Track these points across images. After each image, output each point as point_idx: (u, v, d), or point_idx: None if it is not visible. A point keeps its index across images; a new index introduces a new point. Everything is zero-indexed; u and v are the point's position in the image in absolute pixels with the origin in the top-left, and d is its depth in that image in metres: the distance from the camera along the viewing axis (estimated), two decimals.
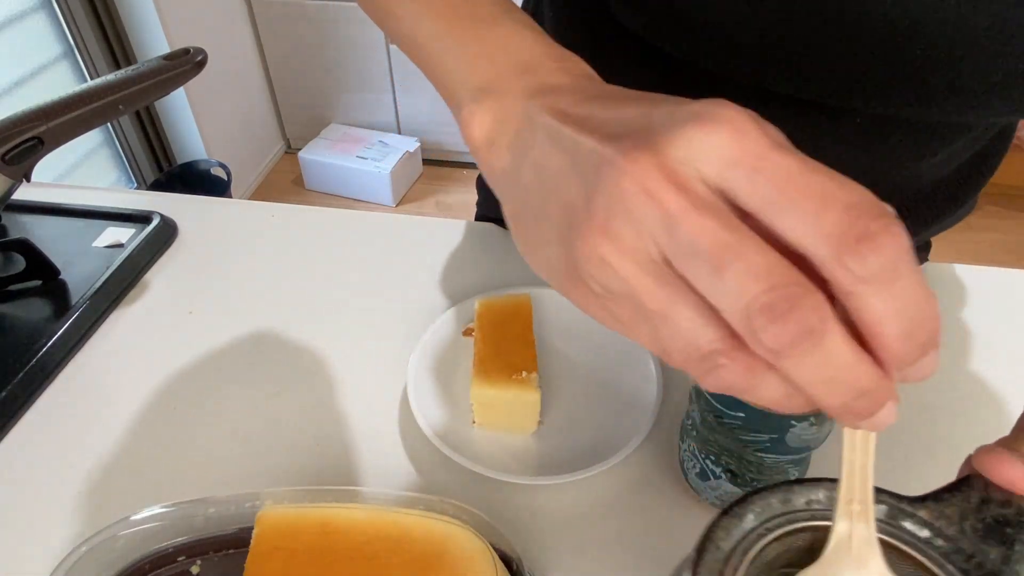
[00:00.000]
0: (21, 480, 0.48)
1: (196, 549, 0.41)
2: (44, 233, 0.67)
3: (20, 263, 0.61)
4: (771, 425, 0.37)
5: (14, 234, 0.67)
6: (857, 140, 0.44)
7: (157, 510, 0.40)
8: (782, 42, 0.38)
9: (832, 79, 0.39)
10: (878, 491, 0.27)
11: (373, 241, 0.68)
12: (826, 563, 0.26)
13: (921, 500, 0.27)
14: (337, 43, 2.31)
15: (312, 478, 0.48)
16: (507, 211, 0.28)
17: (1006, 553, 0.25)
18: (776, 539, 0.27)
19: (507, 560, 0.39)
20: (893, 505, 0.27)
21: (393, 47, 2.27)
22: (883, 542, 0.27)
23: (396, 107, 2.43)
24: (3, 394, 0.52)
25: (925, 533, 0.27)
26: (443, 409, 0.51)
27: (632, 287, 0.22)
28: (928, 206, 0.51)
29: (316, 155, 2.36)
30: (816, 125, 0.44)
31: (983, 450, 0.27)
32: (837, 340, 0.19)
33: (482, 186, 0.72)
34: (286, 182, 2.50)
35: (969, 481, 0.27)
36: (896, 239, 0.19)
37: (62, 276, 0.63)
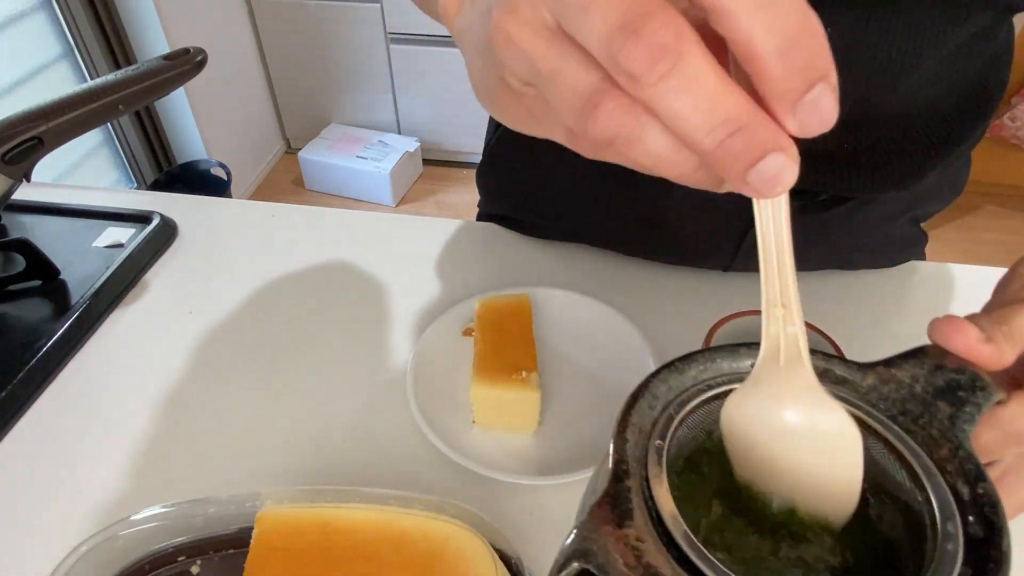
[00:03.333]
0: (21, 480, 0.48)
1: (196, 549, 0.41)
2: (44, 233, 0.67)
3: (20, 263, 0.61)
4: None
5: (14, 234, 0.67)
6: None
7: (157, 510, 0.40)
8: None
9: None
10: (827, 357, 0.27)
11: (373, 241, 0.68)
12: (756, 376, 0.25)
13: (871, 366, 0.27)
14: (337, 43, 2.31)
15: (312, 478, 0.48)
16: (467, 62, 0.29)
17: (954, 413, 0.25)
18: (716, 396, 0.26)
19: (507, 560, 0.39)
20: (841, 368, 0.27)
21: (393, 47, 2.27)
22: None
23: (396, 107, 2.43)
24: (3, 394, 0.52)
25: (873, 395, 0.26)
26: (443, 409, 0.50)
27: (529, 53, 0.23)
28: (924, 136, 0.50)
29: (316, 155, 2.36)
30: None
31: (939, 319, 0.27)
32: (698, 60, 0.19)
33: (483, 184, 0.72)
34: (286, 182, 2.50)
35: (924, 350, 0.27)
36: None
37: (62, 276, 0.63)
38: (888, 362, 0.27)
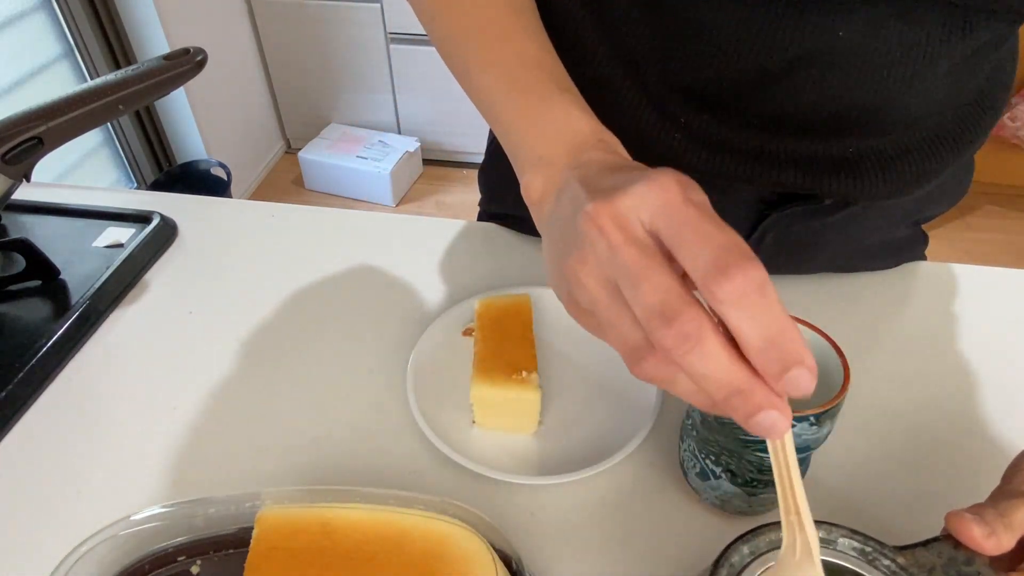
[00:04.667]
0: (21, 480, 0.48)
1: (196, 549, 0.41)
2: (44, 233, 0.67)
3: (20, 263, 0.61)
4: None
5: (14, 234, 0.67)
6: (841, 64, 0.44)
7: (157, 510, 0.40)
8: None
9: None
10: (865, 538, 0.34)
11: (373, 241, 0.68)
12: (779, 563, 0.32)
13: (901, 549, 0.34)
14: (337, 43, 2.31)
15: (312, 478, 0.48)
16: (544, 250, 0.37)
17: None
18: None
19: (507, 560, 0.39)
20: (877, 549, 0.34)
21: (393, 47, 2.27)
22: None
23: (396, 107, 2.43)
24: (3, 394, 0.52)
25: (903, 575, 0.34)
26: (443, 409, 0.51)
27: (594, 301, 0.30)
28: (929, 142, 0.50)
29: (316, 155, 2.36)
30: (805, 62, 0.44)
31: (951, 513, 0.34)
32: (713, 344, 0.26)
33: (484, 183, 0.72)
34: (286, 182, 2.50)
35: (943, 539, 0.34)
36: (746, 273, 0.25)
37: (62, 276, 0.63)
38: (914, 548, 0.34)
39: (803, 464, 0.42)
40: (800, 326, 0.41)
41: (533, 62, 0.42)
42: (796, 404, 0.39)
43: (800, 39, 0.43)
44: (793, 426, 0.37)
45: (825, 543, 0.35)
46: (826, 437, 0.39)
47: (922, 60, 0.44)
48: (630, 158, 0.38)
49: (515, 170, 0.40)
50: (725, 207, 0.56)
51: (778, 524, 0.34)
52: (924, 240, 0.65)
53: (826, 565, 0.34)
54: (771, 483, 0.41)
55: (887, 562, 0.34)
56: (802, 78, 0.45)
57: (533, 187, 0.38)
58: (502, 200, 0.70)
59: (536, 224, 0.38)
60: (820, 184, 0.50)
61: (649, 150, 0.51)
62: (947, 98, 0.48)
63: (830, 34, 0.43)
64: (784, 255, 0.59)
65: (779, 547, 0.34)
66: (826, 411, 0.37)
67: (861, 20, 0.42)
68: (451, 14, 0.44)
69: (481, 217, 0.74)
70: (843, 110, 0.47)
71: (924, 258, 0.66)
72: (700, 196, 0.29)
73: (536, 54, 0.42)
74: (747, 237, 0.58)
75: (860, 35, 0.43)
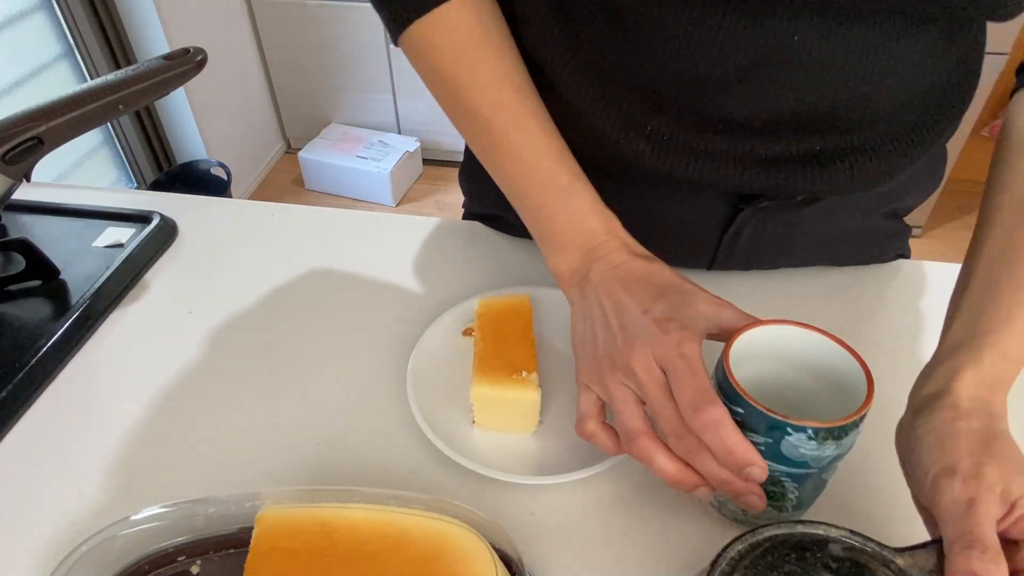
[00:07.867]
0: (21, 480, 0.48)
1: (196, 549, 0.41)
2: (44, 233, 0.67)
3: (20, 263, 0.61)
4: (767, 427, 0.37)
5: (14, 234, 0.67)
6: (800, 67, 0.44)
7: (157, 510, 0.40)
8: None
9: None
10: (865, 538, 0.35)
11: (373, 241, 0.68)
12: None
13: (900, 551, 0.35)
14: (337, 43, 2.31)
15: (312, 478, 0.48)
16: (573, 325, 0.47)
17: None
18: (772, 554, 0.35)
19: (507, 560, 0.39)
20: (877, 550, 0.35)
21: (393, 47, 2.27)
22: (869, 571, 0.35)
23: (396, 107, 2.43)
24: (3, 394, 0.52)
25: (908, 571, 0.35)
26: (443, 409, 0.51)
27: (610, 392, 0.42)
28: (893, 138, 0.50)
29: (316, 155, 2.36)
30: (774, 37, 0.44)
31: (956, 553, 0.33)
32: (660, 457, 0.39)
33: (465, 184, 0.72)
34: (286, 182, 2.50)
35: (936, 544, 0.35)
36: (709, 413, 0.37)
37: (62, 276, 0.63)
38: (911, 550, 0.35)
39: (803, 483, 0.41)
40: (827, 339, 0.40)
41: (547, 151, 0.48)
42: (802, 413, 0.39)
43: (755, 44, 0.44)
44: (789, 433, 0.37)
45: (824, 543, 0.34)
46: (831, 460, 0.38)
47: (879, 60, 0.45)
48: (635, 244, 0.47)
49: (539, 247, 0.50)
50: (696, 208, 0.57)
51: (776, 524, 0.35)
52: (907, 232, 0.66)
53: (825, 566, 0.34)
54: (767, 490, 0.41)
55: (886, 563, 0.34)
56: (761, 81, 0.46)
57: (559, 271, 0.48)
58: (483, 200, 0.70)
59: (567, 295, 0.49)
60: (788, 183, 0.50)
61: (618, 157, 0.52)
62: (911, 94, 0.48)
63: (785, 38, 0.43)
64: (763, 249, 0.60)
65: (776, 547, 0.34)
66: (842, 426, 0.36)
67: (814, 25, 0.43)
68: (461, 101, 0.49)
69: (466, 217, 0.74)
70: (805, 110, 0.47)
71: (908, 249, 0.66)
72: (690, 348, 0.39)
73: (548, 142, 0.49)
74: (727, 225, 0.58)
75: (815, 38, 0.43)
